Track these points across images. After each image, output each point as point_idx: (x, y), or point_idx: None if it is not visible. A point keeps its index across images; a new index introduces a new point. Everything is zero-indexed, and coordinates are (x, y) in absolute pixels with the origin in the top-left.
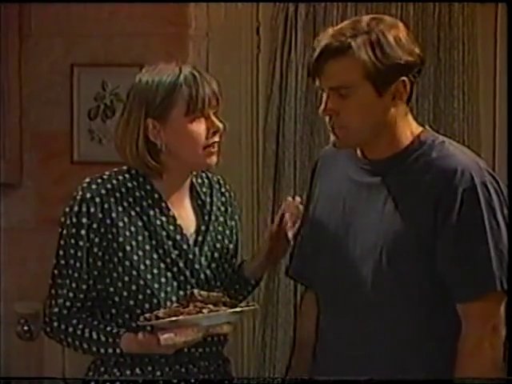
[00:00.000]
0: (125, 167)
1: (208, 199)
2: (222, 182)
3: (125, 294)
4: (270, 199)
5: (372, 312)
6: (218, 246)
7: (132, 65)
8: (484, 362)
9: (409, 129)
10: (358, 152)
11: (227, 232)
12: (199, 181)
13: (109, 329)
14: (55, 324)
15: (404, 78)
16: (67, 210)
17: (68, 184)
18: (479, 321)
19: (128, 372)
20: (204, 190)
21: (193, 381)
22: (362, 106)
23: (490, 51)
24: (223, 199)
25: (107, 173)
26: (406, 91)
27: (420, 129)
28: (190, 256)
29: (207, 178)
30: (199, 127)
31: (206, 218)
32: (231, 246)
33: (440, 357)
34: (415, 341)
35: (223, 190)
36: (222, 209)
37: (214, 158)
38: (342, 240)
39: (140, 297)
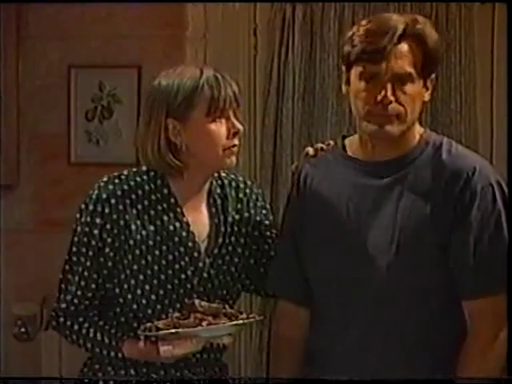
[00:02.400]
0: (144, 168)
1: (224, 207)
2: (241, 185)
3: (129, 296)
4: (267, 201)
5: (384, 311)
6: (235, 258)
7: (129, 66)
8: (493, 360)
9: (416, 129)
10: (353, 155)
11: (241, 241)
12: (218, 188)
13: (113, 331)
14: (61, 320)
15: (434, 74)
16: (83, 207)
17: (65, 185)
18: (491, 319)
19: (122, 372)
20: (221, 196)
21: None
22: (415, 95)
23: (487, 53)
24: (239, 206)
25: (125, 172)
26: (433, 87)
27: (422, 129)
28: (200, 264)
29: (223, 183)
30: (220, 128)
31: (223, 228)
32: (247, 252)
33: (450, 356)
34: (426, 340)
35: (241, 195)
36: (237, 217)
37: (234, 159)
38: (349, 244)
39: (144, 301)
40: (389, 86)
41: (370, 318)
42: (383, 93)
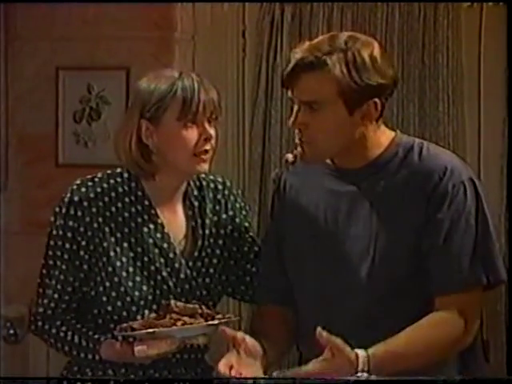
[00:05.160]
0: (118, 170)
1: (201, 210)
2: (220, 187)
3: (104, 299)
4: (256, 202)
5: (366, 318)
6: (215, 260)
7: (117, 68)
8: (439, 334)
9: (382, 136)
10: (330, 163)
11: (220, 242)
12: (195, 190)
13: (90, 334)
14: (39, 324)
15: (376, 99)
16: (56, 210)
17: (53, 187)
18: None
19: (100, 373)
20: (198, 198)
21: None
22: (331, 122)
23: (475, 55)
24: (217, 208)
25: (99, 175)
26: (377, 112)
27: (393, 134)
28: (176, 265)
29: (201, 185)
30: (191, 133)
31: (201, 231)
32: (226, 254)
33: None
34: None
35: (219, 196)
36: (215, 219)
37: (205, 166)
38: (328, 251)
39: (119, 304)
40: (296, 112)
41: (353, 324)
42: (292, 118)
